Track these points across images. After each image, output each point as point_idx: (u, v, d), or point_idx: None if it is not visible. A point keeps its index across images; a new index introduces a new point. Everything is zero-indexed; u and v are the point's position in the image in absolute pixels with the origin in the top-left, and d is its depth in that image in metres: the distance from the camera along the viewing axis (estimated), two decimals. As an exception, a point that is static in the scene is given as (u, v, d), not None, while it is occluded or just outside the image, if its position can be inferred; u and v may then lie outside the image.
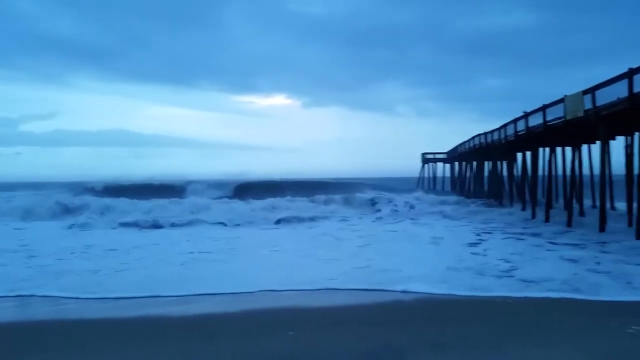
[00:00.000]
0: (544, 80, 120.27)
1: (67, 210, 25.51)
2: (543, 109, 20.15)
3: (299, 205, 26.09)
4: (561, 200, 23.87)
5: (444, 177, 50.00)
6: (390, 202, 27.41)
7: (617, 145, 20.56)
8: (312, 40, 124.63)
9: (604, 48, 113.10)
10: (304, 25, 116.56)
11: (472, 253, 12.87)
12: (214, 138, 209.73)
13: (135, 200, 26.74)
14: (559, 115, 18.56)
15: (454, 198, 31.06)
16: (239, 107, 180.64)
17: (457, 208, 26.04)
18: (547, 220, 19.82)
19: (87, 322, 7.32)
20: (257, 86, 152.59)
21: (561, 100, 18.19)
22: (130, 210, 24.69)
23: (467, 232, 17.64)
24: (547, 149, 22.14)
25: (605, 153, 17.38)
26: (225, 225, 21.25)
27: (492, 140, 29.03)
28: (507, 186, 28.80)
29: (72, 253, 13.98)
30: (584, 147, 22.55)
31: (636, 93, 13.59)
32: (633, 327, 6.30)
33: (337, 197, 28.31)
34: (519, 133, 23.66)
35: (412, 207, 26.74)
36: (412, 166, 55.26)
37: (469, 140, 35.82)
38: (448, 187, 47.04)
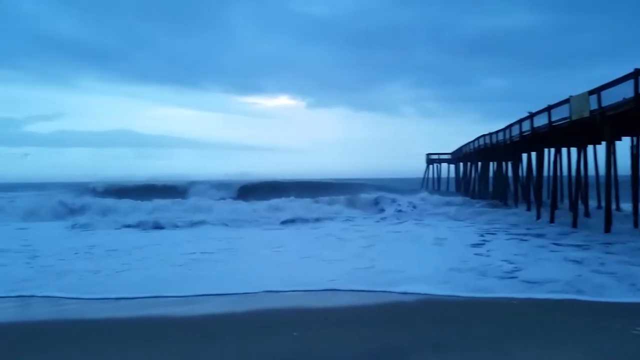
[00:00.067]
0: (546, 81, 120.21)
1: (70, 211, 25.59)
2: (548, 109, 20.04)
3: (303, 205, 26.06)
4: (566, 201, 23.74)
5: (448, 178, 49.86)
6: (394, 202, 27.34)
7: (623, 146, 20.43)
8: (316, 41, 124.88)
9: (605, 48, 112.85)
10: (307, 25, 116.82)
11: (476, 254, 12.80)
12: (217, 139, 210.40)
13: (138, 200, 26.84)
14: (564, 116, 18.45)
15: (458, 199, 30.93)
16: (243, 108, 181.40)
17: (462, 209, 25.93)
18: (552, 221, 19.69)
19: (88, 322, 7.31)
20: (261, 87, 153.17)
21: (566, 101, 18.09)
22: (132, 211, 24.79)
23: (471, 233, 17.56)
24: (553, 150, 22.01)
25: (610, 154, 17.25)
26: (228, 226, 21.22)
27: (497, 141, 28.91)
28: (512, 187, 28.67)
29: (75, 254, 13.99)
30: (590, 148, 22.45)
31: (642, 93, 13.47)
32: (637, 329, 6.23)
33: (341, 197, 28.28)
34: (524, 133, 23.55)
35: (416, 207, 26.66)
36: (416, 167, 55.21)
37: (473, 141, 35.70)
38: (453, 187, 46.90)
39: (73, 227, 21.01)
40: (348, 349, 5.61)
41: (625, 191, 22.44)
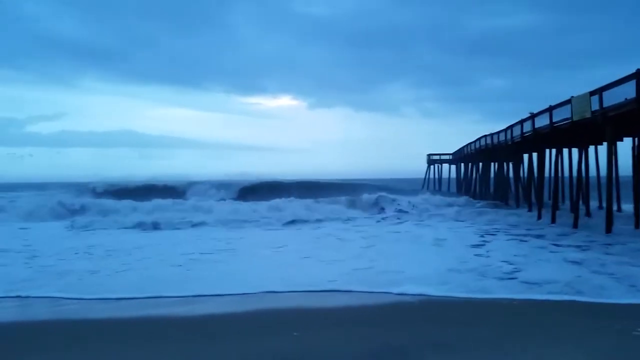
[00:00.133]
0: (547, 81, 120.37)
1: (71, 211, 25.57)
2: (550, 110, 20.02)
3: (303, 206, 26.02)
4: (568, 202, 23.69)
5: (449, 179, 49.79)
6: (395, 203, 27.32)
7: (625, 146, 20.43)
8: (317, 41, 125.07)
9: (606, 49, 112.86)
10: (308, 25, 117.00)
11: (476, 255, 12.77)
12: (218, 139, 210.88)
13: (139, 201, 26.79)
14: (565, 117, 18.43)
15: (459, 199, 30.86)
16: (245, 108, 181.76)
17: (462, 209, 25.89)
18: (553, 221, 19.67)
19: (88, 322, 7.31)
20: (262, 87, 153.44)
21: (568, 101, 18.07)
22: (133, 212, 24.76)
23: (471, 234, 17.53)
24: (554, 150, 21.98)
25: (612, 154, 17.22)
26: (229, 226, 21.17)
27: (499, 142, 28.88)
28: (513, 187, 28.63)
29: (75, 254, 14.01)
30: (591, 149, 22.41)
31: (644, 94, 13.45)
32: (638, 330, 6.20)
33: (342, 198, 28.25)
34: (526, 134, 23.53)
35: (416, 208, 26.62)
36: (417, 167, 55.16)
37: (474, 141, 35.66)
38: (454, 188, 46.84)
39: (73, 227, 21.00)
40: (348, 349, 5.60)
41: (627, 192, 22.41)
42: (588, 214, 20.89)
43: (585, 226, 17.89)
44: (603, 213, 17.77)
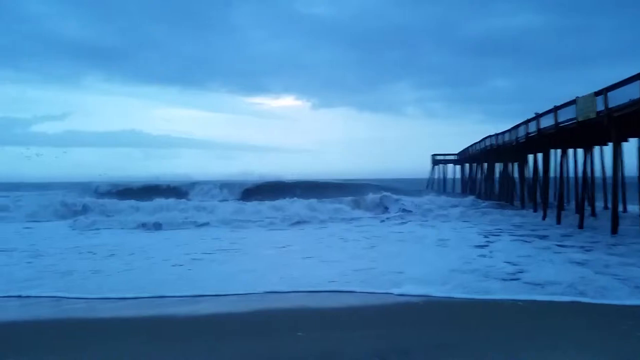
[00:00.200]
0: (552, 82, 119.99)
1: (75, 211, 25.60)
2: (555, 110, 19.91)
3: (307, 206, 25.95)
4: (573, 203, 23.56)
5: (454, 179, 49.66)
6: (399, 203, 27.20)
7: (630, 147, 20.29)
8: (321, 42, 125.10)
9: (611, 49, 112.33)
10: (312, 26, 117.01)
11: (479, 255, 12.70)
12: (223, 139, 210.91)
13: (142, 201, 26.83)
14: (570, 117, 18.32)
15: (464, 200, 30.72)
16: (248, 108, 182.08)
17: (467, 210, 25.78)
18: (558, 222, 19.56)
19: (89, 322, 7.29)
20: (266, 87, 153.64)
21: (573, 102, 17.97)
22: (137, 212, 24.81)
23: (475, 234, 17.44)
24: (559, 151, 21.86)
25: (617, 155, 17.11)
26: (232, 226, 21.16)
27: (503, 142, 28.76)
28: (518, 188, 28.50)
29: (79, 253, 14.03)
30: (596, 149, 22.27)
31: (649, 94, 13.35)
32: (643, 332, 6.14)
33: (346, 198, 28.19)
34: (531, 134, 23.40)
35: (421, 208, 26.49)
36: (421, 167, 55.02)
37: (479, 142, 35.55)
38: (458, 188, 46.71)
39: (77, 227, 21.03)
40: (352, 349, 5.59)
41: (632, 193, 22.26)
42: (593, 214, 20.76)
43: (590, 227, 17.78)
44: (609, 214, 17.65)
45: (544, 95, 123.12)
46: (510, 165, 29.16)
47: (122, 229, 20.62)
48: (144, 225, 20.96)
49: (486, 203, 28.80)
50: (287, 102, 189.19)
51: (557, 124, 19.68)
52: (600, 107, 15.91)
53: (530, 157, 26.35)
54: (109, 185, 33.53)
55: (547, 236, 16.31)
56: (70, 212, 25.43)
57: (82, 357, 5.65)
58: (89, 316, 7.59)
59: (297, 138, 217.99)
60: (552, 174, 23.31)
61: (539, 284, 9.03)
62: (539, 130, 21.94)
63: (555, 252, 12.89)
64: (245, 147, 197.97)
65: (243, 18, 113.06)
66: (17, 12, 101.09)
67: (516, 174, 28.82)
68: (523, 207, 25.88)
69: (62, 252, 14.12)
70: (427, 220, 22.88)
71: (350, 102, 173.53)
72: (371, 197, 27.94)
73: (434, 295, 8.38)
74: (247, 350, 5.70)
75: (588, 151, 19.49)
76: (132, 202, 26.71)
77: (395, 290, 8.64)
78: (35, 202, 27.83)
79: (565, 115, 18.96)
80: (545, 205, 21.96)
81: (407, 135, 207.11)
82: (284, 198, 27.47)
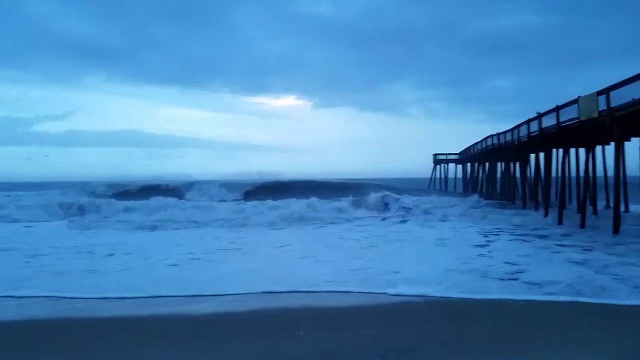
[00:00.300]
0: (554, 81, 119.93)
1: (75, 211, 25.64)
2: (557, 109, 19.84)
3: (308, 205, 25.86)
4: (575, 202, 23.46)
5: (455, 178, 49.58)
6: (400, 203, 27.11)
7: (632, 146, 20.22)
8: (322, 41, 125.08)
9: (614, 49, 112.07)
10: (313, 26, 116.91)
11: (479, 255, 12.64)
12: (224, 138, 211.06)
13: (143, 200, 26.81)
14: (572, 116, 18.25)
15: (465, 199, 30.63)
16: (250, 108, 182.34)
17: (467, 209, 25.69)
18: (560, 222, 19.47)
19: (86, 322, 7.25)
20: (268, 87, 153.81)
21: (575, 101, 17.91)
22: (136, 211, 24.78)
23: (475, 234, 17.38)
24: (561, 150, 21.78)
25: (619, 154, 17.02)
26: (231, 226, 21.09)
27: (505, 141, 28.68)
28: (520, 187, 28.41)
29: (78, 253, 14.00)
30: (598, 149, 22.17)
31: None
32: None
33: (347, 197, 28.07)
34: (532, 134, 23.33)
35: (421, 208, 26.38)
36: (422, 167, 54.93)
37: (481, 141, 35.47)
38: (460, 188, 46.63)
39: (76, 227, 21.03)
40: (349, 348, 5.57)
41: (634, 192, 22.16)
42: (595, 214, 20.67)
43: (592, 227, 17.70)
44: (610, 213, 17.56)
45: (546, 95, 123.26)
46: (512, 164, 29.07)
47: (121, 228, 20.58)
48: (143, 225, 20.93)
49: (487, 202, 28.70)
50: (289, 101, 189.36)
51: (559, 123, 19.61)
52: (602, 106, 15.86)
53: (532, 156, 26.27)
54: (110, 185, 33.53)
55: (547, 236, 16.25)
56: (70, 212, 25.46)
57: (82, 357, 5.61)
58: (85, 316, 7.55)
59: (298, 138, 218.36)
60: (553, 173, 23.27)
61: (537, 284, 8.96)
62: (541, 129, 21.87)
63: (555, 252, 12.83)
64: (247, 147, 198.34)
65: (244, 18, 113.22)
66: (18, 12, 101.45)
67: (518, 174, 28.71)
68: (525, 206, 25.77)
69: (60, 252, 14.11)
70: (427, 220, 22.83)
71: (351, 102, 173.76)
72: (372, 196, 27.84)
73: (430, 295, 8.30)
74: (247, 349, 5.66)
75: (590, 151, 19.39)
76: (132, 202, 26.67)
77: (391, 290, 8.57)
78: (36, 201, 27.91)
79: (567, 115, 18.90)
80: (547, 205, 21.87)
81: (409, 135, 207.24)
82: (285, 197, 27.43)
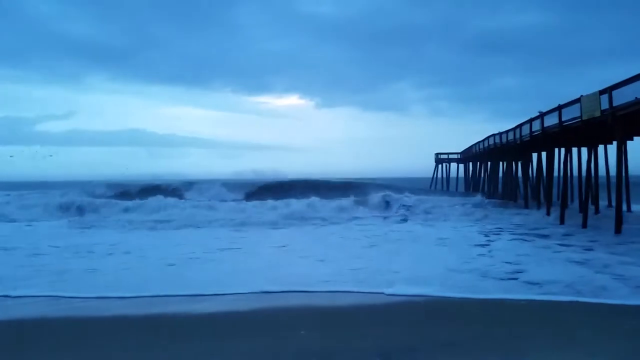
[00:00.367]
0: (557, 80, 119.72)
1: (76, 210, 25.70)
2: (559, 109, 19.77)
3: (309, 205, 25.82)
4: (577, 202, 23.37)
5: (457, 178, 49.45)
6: (402, 202, 27.04)
7: (635, 145, 20.13)
8: (325, 41, 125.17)
9: (616, 47, 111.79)
10: (316, 25, 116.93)
11: (479, 254, 12.59)
12: (227, 138, 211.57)
13: (144, 200, 26.83)
14: (575, 116, 18.17)
15: (467, 199, 30.55)
16: (252, 107, 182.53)
17: (469, 208, 25.61)
18: (562, 221, 19.40)
19: (88, 321, 7.24)
20: (270, 86, 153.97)
21: (577, 100, 17.82)
22: (137, 211, 24.79)
23: (476, 233, 17.35)
24: (563, 150, 21.70)
25: (622, 154, 16.95)
26: (232, 225, 21.04)
27: (507, 141, 28.59)
28: (522, 187, 28.32)
29: (76, 252, 13.99)
30: (600, 148, 22.07)
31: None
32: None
33: (348, 197, 28.01)
34: (535, 133, 23.24)
35: (423, 207, 26.29)
36: (425, 166, 54.85)
37: (483, 141, 35.37)
38: (462, 187, 46.51)
39: (76, 226, 21.05)
40: (348, 348, 5.55)
41: (637, 192, 22.06)
42: (597, 213, 20.58)
43: (594, 226, 17.62)
44: (612, 213, 17.47)
45: (549, 94, 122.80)
46: (514, 164, 28.98)
47: (121, 228, 20.53)
48: (143, 225, 20.91)
49: (489, 202, 28.60)
50: (291, 101, 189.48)
51: (561, 122, 19.53)
52: (605, 105, 15.78)
53: (534, 156, 26.18)
54: (111, 184, 33.53)
55: (549, 235, 16.21)
56: (70, 212, 25.49)
57: (82, 357, 5.60)
58: (84, 315, 7.53)
59: (300, 137, 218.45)
60: (555, 173, 23.19)
61: (536, 284, 8.92)
62: (543, 129, 21.79)
63: (556, 252, 12.79)
64: (249, 146, 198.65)
65: (247, 17, 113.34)
66: (21, 12, 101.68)
67: (520, 173, 28.63)
68: (526, 206, 25.68)
69: (59, 251, 14.14)
70: (428, 219, 22.79)
71: (353, 101, 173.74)
72: (373, 196, 27.78)
73: (429, 294, 8.25)
74: (247, 349, 5.65)
75: (592, 150, 19.31)
76: (133, 201, 26.73)
77: (388, 290, 8.50)
78: (37, 201, 27.97)
79: (569, 114, 18.83)
80: (549, 205, 21.80)
81: (411, 134, 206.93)
82: (286, 197, 27.38)
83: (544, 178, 23.90)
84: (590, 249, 12.91)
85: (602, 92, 16.00)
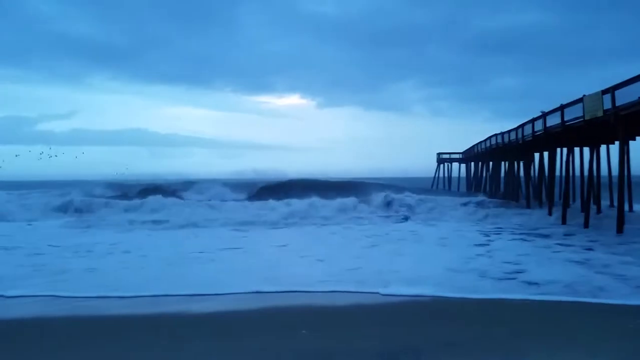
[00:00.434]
0: (559, 80, 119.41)
1: (76, 210, 25.73)
2: (561, 108, 19.72)
3: (311, 205, 25.77)
4: (579, 201, 23.31)
5: (459, 177, 49.38)
6: (403, 202, 27.00)
7: (637, 145, 20.07)
8: (326, 40, 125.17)
9: (619, 47, 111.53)
10: (318, 25, 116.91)
11: (478, 254, 12.54)
12: (228, 137, 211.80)
13: (144, 199, 26.75)
14: (577, 115, 18.11)
15: (468, 198, 30.49)
16: (253, 107, 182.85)
17: (471, 208, 25.54)
18: (563, 221, 19.35)
19: (87, 321, 7.22)
20: (271, 86, 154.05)
21: (580, 100, 17.78)
22: (139, 210, 24.78)
23: (477, 233, 17.31)
24: (565, 150, 21.63)
25: (624, 154, 16.90)
26: (233, 225, 20.97)
27: (509, 140, 28.53)
28: (523, 187, 28.27)
29: (76, 252, 13.97)
30: (603, 148, 22.01)
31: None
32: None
33: (350, 196, 27.92)
34: (537, 133, 23.18)
35: (424, 207, 26.24)
36: (426, 166, 54.84)
37: (485, 140, 35.33)
38: (463, 187, 46.44)
39: (76, 225, 21.02)
40: (345, 348, 5.54)
41: (639, 192, 21.98)
42: (599, 213, 20.52)
43: (596, 226, 17.58)
44: (614, 213, 17.41)
45: (552, 94, 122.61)
46: (516, 163, 28.92)
47: (121, 227, 20.44)
48: (143, 224, 20.91)
49: (491, 201, 28.54)
50: (292, 101, 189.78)
51: (563, 122, 19.48)
52: (607, 105, 15.74)
53: (537, 155, 26.12)
54: (110, 184, 33.58)
55: (550, 235, 16.19)
56: (70, 211, 25.51)
57: (81, 356, 5.59)
58: (83, 315, 7.51)
59: (301, 137, 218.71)
60: (557, 172, 23.11)
61: (535, 283, 8.90)
62: (545, 128, 21.74)
63: (556, 251, 12.76)
64: (250, 146, 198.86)
65: (248, 17, 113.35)
66: (22, 11, 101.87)
67: (522, 173, 28.56)
68: (528, 206, 25.63)
69: (59, 251, 14.13)
70: (430, 219, 22.76)
71: (354, 101, 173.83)
72: (375, 195, 27.73)
73: (425, 294, 8.21)
74: (247, 348, 5.63)
75: (594, 150, 19.26)
76: (133, 201, 26.71)
77: (383, 290, 8.45)
78: (38, 200, 27.99)
79: (571, 114, 18.78)
80: (551, 204, 21.74)
81: (412, 134, 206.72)
82: (287, 197, 27.31)
83: (546, 178, 23.83)
84: (591, 249, 12.88)
85: (604, 91, 15.96)
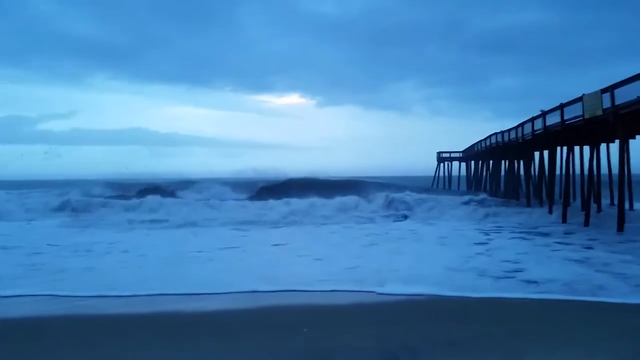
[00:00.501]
0: (559, 79, 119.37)
1: (75, 209, 25.73)
2: (561, 107, 19.72)
3: (311, 204, 25.75)
4: (579, 200, 23.30)
5: (459, 176, 49.35)
6: (403, 201, 26.97)
7: (637, 144, 20.06)
8: (326, 40, 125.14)
9: (619, 46, 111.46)
10: (318, 24, 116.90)
11: (478, 253, 12.52)
12: (228, 136, 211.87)
13: (144, 199, 26.76)
14: (577, 114, 18.09)
15: (468, 197, 30.46)
16: (253, 106, 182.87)
17: (472, 207, 25.51)
18: (564, 220, 19.33)
19: (86, 320, 7.21)
20: (271, 85, 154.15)
21: (579, 99, 17.78)
22: (138, 210, 24.78)
23: (478, 232, 17.26)
24: (565, 148, 21.62)
25: (624, 152, 16.89)
26: (232, 224, 20.91)
27: (509, 139, 28.52)
28: (524, 185, 28.26)
29: (75, 251, 13.95)
30: (602, 146, 22.00)
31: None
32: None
33: (350, 195, 27.91)
34: (537, 132, 23.16)
35: (424, 206, 26.21)
36: (426, 165, 54.82)
37: (485, 139, 35.31)
38: (464, 186, 46.41)
39: (75, 225, 20.99)
40: (343, 347, 5.53)
41: (639, 190, 21.97)
42: (599, 212, 20.52)
43: (596, 225, 17.57)
44: (615, 211, 17.41)
45: (552, 93, 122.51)
46: (516, 162, 28.91)
47: (120, 227, 20.44)
48: (142, 223, 20.88)
49: (491, 200, 28.50)
50: (292, 100, 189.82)
51: (563, 121, 19.47)
52: (607, 104, 15.73)
53: (537, 154, 26.11)
54: (110, 183, 33.57)
55: (550, 234, 16.16)
56: (70, 210, 25.48)
57: (80, 356, 5.58)
58: (82, 314, 7.50)
59: (301, 136, 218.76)
60: (557, 171, 23.09)
61: (534, 282, 8.88)
62: (545, 127, 21.72)
63: (556, 250, 12.75)
64: (250, 145, 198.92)
65: (249, 16, 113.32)
66: (22, 11, 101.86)
67: (522, 172, 28.55)
68: (529, 204, 25.62)
69: (58, 250, 14.11)
70: (429, 218, 22.72)
71: (354, 100, 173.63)
72: (375, 194, 27.71)
73: (421, 293, 8.19)
74: (247, 348, 5.63)
75: (594, 149, 19.25)
76: (132, 200, 26.70)
77: (379, 289, 8.43)
78: (37, 200, 28.00)
79: (571, 113, 18.77)
80: (551, 203, 21.73)
81: (412, 133, 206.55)
82: (287, 196, 27.28)
83: (546, 176, 23.81)
84: (591, 248, 12.86)
85: (604, 90, 15.95)
